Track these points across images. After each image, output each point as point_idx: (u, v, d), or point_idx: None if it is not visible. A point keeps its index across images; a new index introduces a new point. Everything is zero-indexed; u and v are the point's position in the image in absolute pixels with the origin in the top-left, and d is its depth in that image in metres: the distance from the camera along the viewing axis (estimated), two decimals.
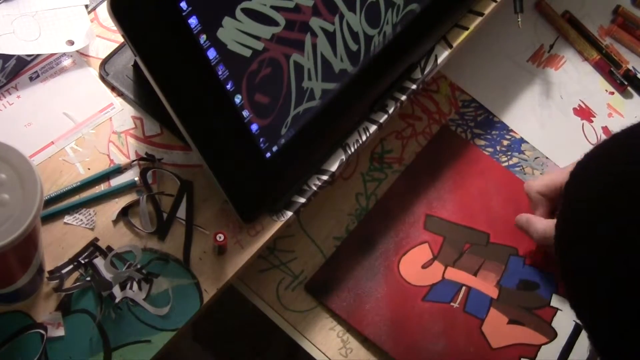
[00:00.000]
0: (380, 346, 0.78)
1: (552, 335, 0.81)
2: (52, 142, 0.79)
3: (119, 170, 0.78)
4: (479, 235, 0.86)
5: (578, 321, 0.55)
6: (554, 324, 0.82)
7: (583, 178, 0.56)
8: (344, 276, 0.82)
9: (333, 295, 0.81)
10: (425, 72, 0.87)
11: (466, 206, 0.87)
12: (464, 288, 0.82)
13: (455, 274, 0.83)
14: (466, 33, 0.90)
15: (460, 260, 0.84)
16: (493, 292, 0.83)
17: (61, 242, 0.75)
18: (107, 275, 0.73)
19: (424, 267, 0.83)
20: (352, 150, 0.82)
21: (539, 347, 0.80)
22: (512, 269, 0.84)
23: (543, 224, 0.81)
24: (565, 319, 0.82)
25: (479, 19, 0.91)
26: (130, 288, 0.73)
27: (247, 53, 0.71)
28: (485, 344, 0.80)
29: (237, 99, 0.72)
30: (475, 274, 0.83)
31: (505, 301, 0.82)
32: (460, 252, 0.84)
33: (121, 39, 0.83)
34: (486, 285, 0.83)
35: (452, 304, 0.81)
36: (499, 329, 0.81)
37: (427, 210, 0.86)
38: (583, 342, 0.81)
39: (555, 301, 0.83)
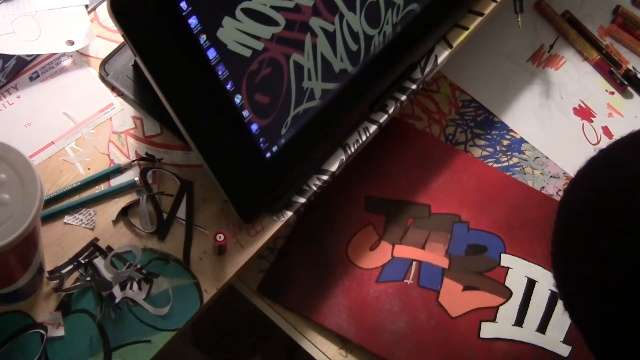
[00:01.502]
0: (343, 335, 0.79)
1: (508, 294, 0.82)
2: (52, 142, 0.79)
3: (119, 170, 0.78)
4: (420, 208, 0.86)
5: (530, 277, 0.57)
6: (507, 283, 0.83)
7: (582, 186, 0.57)
8: (295, 272, 0.82)
9: (288, 293, 0.81)
10: (425, 72, 0.87)
11: (403, 181, 0.88)
12: (414, 263, 0.83)
13: (404, 251, 0.84)
14: (466, 33, 0.90)
15: (406, 236, 0.84)
16: (443, 263, 0.83)
17: (61, 242, 0.75)
18: (107, 275, 0.73)
19: (371, 249, 0.83)
20: (352, 150, 0.82)
21: (497, 308, 0.81)
22: (458, 236, 0.85)
23: None
24: (517, 277, 0.83)
25: (479, 19, 0.91)
26: (130, 288, 0.73)
27: (247, 53, 0.71)
28: (444, 315, 0.80)
29: (237, 99, 0.72)
30: (423, 247, 0.84)
31: (457, 269, 0.83)
32: (404, 228, 0.85)
33: (121, 39, 0.83)
34: (435, 256, 0.83)
35: (405, 280, 0.82)
36: (455, 297, 0.81)
37: (365, 192, 0.87)
38: (538, 296, 0.82)
39: (504, 261, 0.84)
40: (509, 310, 0.81)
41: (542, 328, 0.81)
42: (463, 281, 0.82)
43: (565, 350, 0.80)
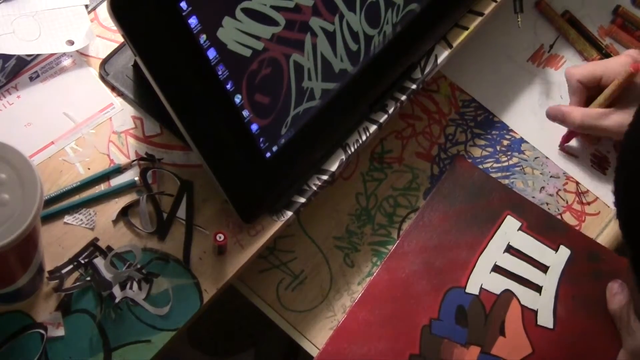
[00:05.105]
0: None
1: None
2: (52, 142, 0.79)
3: (119, 170, 0.78)
4: None
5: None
6: None
7: None
8: None
9: None
10: (425, 72, 0.87)
11: None
12: None
13: None
14: (466, 33, 0.90)
15: None
16: None
17: (61, 242, 0.75)
18: (107, 275, 0.73)
19: None
20: (352, 150, 0.82)
21: None
22: None
23: (579, 112, 0.88)
24: None
25: (479, 19, 0.91)
26: (130, 288, 0.73)
27: (247, 53, 0.71)
28: None
29: (237, 99, 0.72)
30: None
31: None
32: None
33: (121, 39, 0.83)
34: None
35: None
36: None
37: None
38: None
39: None
40: None
41: None
42: None
43: None
